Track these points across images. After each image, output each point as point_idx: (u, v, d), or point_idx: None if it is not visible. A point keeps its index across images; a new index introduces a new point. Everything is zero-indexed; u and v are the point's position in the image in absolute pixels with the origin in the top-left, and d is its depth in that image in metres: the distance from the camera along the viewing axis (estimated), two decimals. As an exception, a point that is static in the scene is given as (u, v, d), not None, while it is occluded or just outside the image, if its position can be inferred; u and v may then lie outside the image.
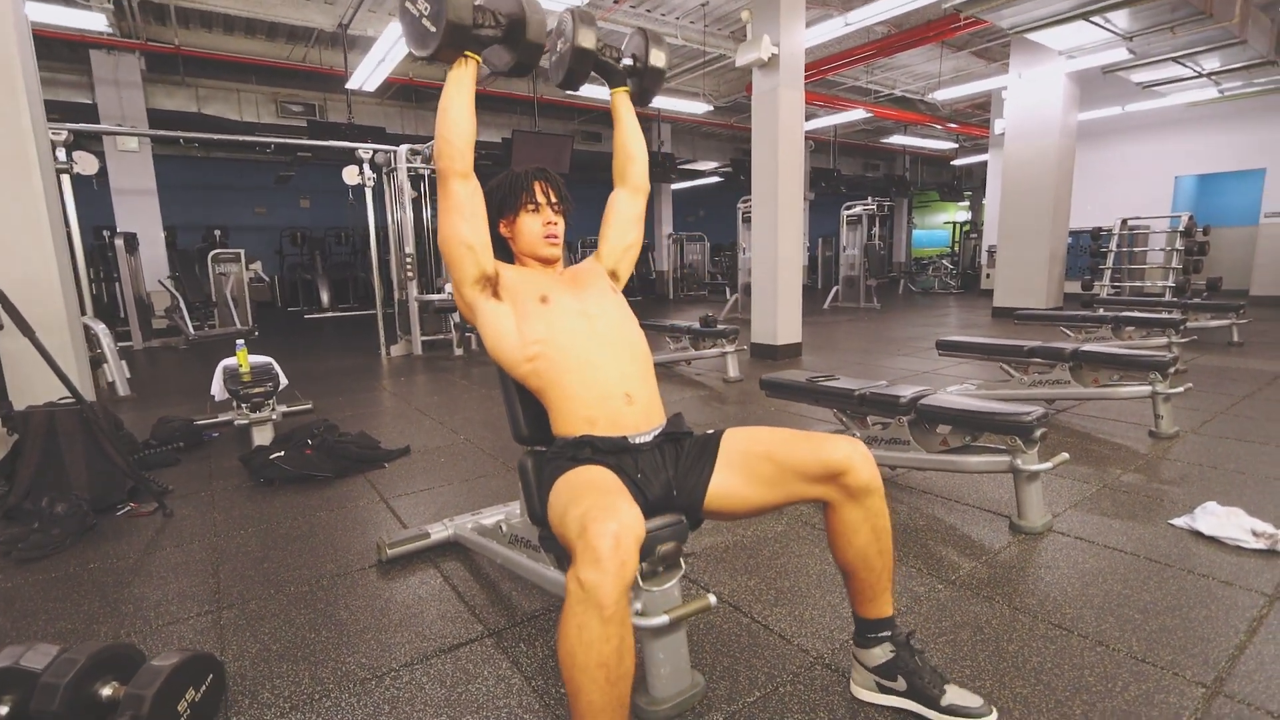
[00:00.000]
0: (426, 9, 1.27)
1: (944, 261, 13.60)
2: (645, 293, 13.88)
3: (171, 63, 8.18)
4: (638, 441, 1.28)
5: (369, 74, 6.76)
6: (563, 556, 1.41)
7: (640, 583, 1.20)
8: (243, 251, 8.57)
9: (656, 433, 1.32)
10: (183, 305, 7.71)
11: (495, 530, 1.77)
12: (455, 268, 1.36)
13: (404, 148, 6.03)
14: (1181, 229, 6.67)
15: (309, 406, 3.91)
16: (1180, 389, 2.92)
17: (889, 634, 1.23)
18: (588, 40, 1.48)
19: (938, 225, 21.37)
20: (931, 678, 1.21)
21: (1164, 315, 4.55)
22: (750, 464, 1.21)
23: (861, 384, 2.49)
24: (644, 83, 1.64)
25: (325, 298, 11.83)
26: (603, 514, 0.90)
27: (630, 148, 1.61)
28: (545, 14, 1.37)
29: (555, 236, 1.45)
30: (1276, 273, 8.32)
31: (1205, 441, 2.86)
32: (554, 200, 1.46)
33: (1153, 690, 1.30)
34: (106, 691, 1.24)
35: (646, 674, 1.26)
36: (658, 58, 1.62)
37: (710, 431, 1.33)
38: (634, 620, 1.16)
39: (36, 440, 2.37)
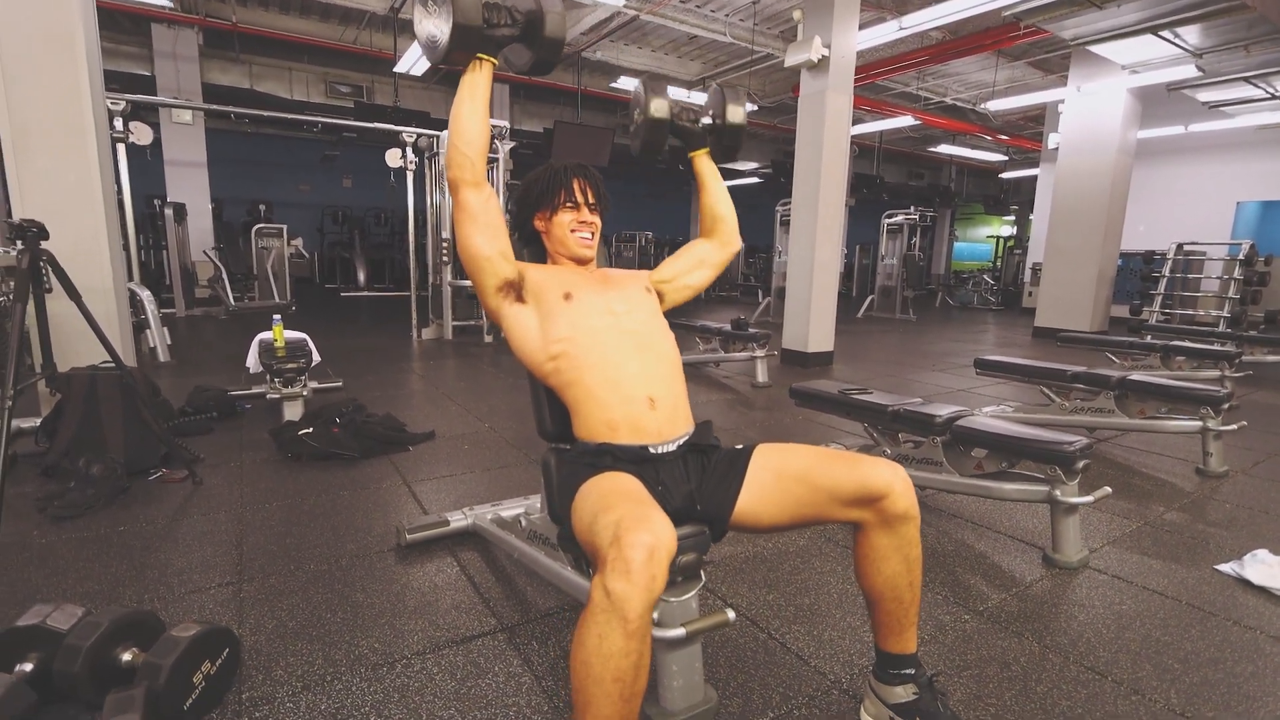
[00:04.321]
0: (436, 10, 1.22)
1: (985, 276, 13.25)
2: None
3: (228, 39, 8.38)
4: (659, 451, 1.24)
5: (418, 58, 6.82)
6: (581, 559, 1.39)
7: (665, 595, 1.17)
8: (285, 227, 8.76)
9: (681, 441, 1.28)
10: (225, 276, 7.91)
11: (515, 524, 1.76)
12: (475, 277, 1.33)
13: (446, 132, 6.06)
14: (1242, 257, 6.38)
15: (339, 385, 3.96)
16: (1233, 426, 2.78)
17: (913, 673, 1.18)
18: (661, 110, 1.48)
19: (980, 239, 20.86)
20: (949, 722, 1.15)
21: (1218, 347, 4.35)
22: (783, 483, 1.17)
23: (895, 400, 2.42)
24: (724, 140, 1.61)
25: (362, 277, 12.02)
26: (636, 524, 0.88)
27: (718, 209, 1.59)
28: (563, 9, 1.32)
29: (590, 236, 1.43)
30: (1341, 309, 7.91)
31: (1256, 484, 2.73)
32: (591, 200, 1.43)
33: (1191, 747, 1.23)
34: (126, 657, 1.26)
35: (659, 686, 1.23)
36: (735, 114, 1.59)
37: (740, 446, 1.29)
38: (659, 633, 1.13)
39: (77, 402, 2.44)
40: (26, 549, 1.89)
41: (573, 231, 1.40)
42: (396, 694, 1.31)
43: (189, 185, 8.26)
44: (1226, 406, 2.76)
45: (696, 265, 1.58)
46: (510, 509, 2.04)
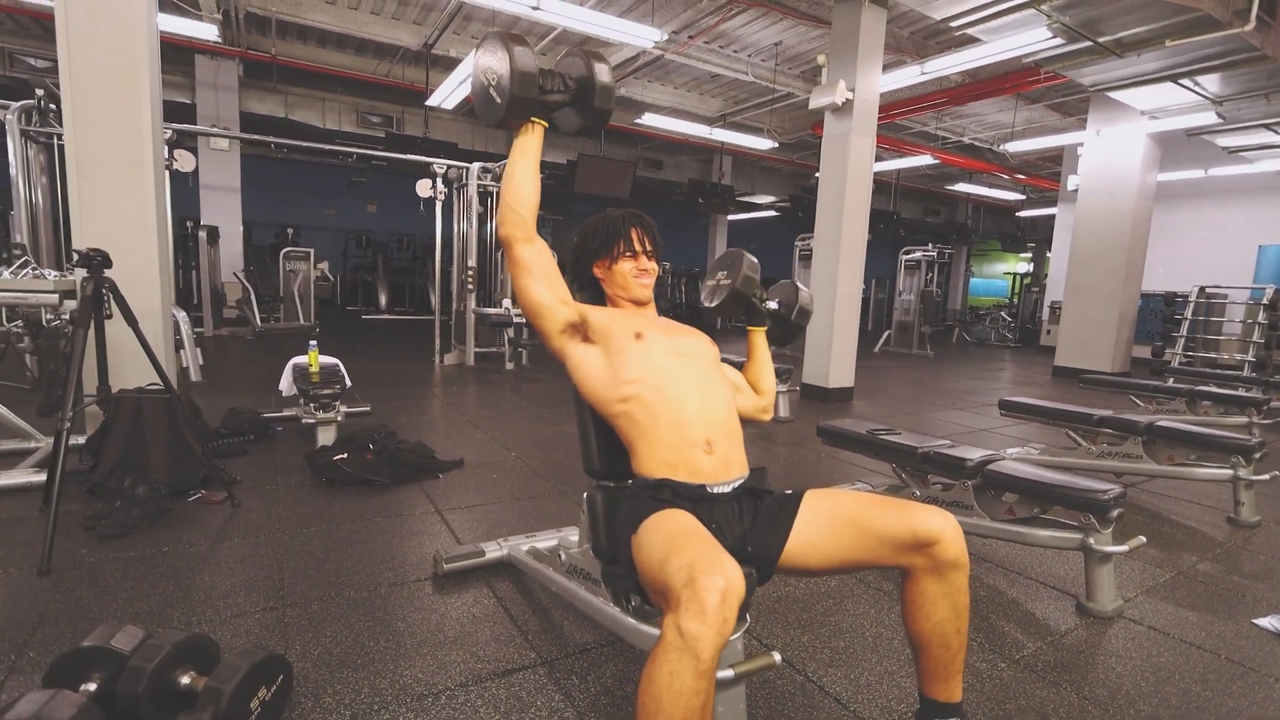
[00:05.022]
0: (494, 80, 1.28)
1: (1002, 314, 13.23)
2: (693, 322, 13.86)
3: (266, 70, 8.69)
4: (715, 491, 1.28)
5: (449, 93, 7.05)
6: (622, 595, 1.42)
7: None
8: (312, 251, 8.98)
9: (736, 484, 1.32)
10: (253, 298, 8.09)
11: (553, 557, 1.79)
12: (538, 324, 1.39)
13: (476, 165, 6.24)
14: (1266, 301, 6.35)
15: (368, 409, 4.03)
16: (1265, 476, 2.76)
17: None
18: (749, 287, 1.61)
19: (996, 274, 20.85)
20: (1000, 771, 1.16)
21: (1245, 393, 4.33)
22: (834, 526, 1.20)
23: (924, 441, 2.44)
24: (784, 331, 1.75)
25: (383, 300, 12.23)
26: (710, 568, 0.91)
27: (762, 384, 1.66)
28: (613, 80, 1.40)
29: (650, 280, 1.49)
30: (1367, 355, 7.82)
31: (1290, 535, 2.70)
32: (649, 247, 1.50)
33: (1239, 808, 1.22)
34: (185, 680, 1.29)
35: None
36: (803, 315, 1.74)
37: (789, 491, 1.32)
38: None
39: (125, 423, 2.51)
40: (77, 566, 1.94)
41: (634, 277, 1.47)
42: (443, 725, 1.33)
43: (222, 208, 8.51)
44: (1259, 456, 2.75)
45: (739, 388, 1.62)
46: (544, 541, 2.07)
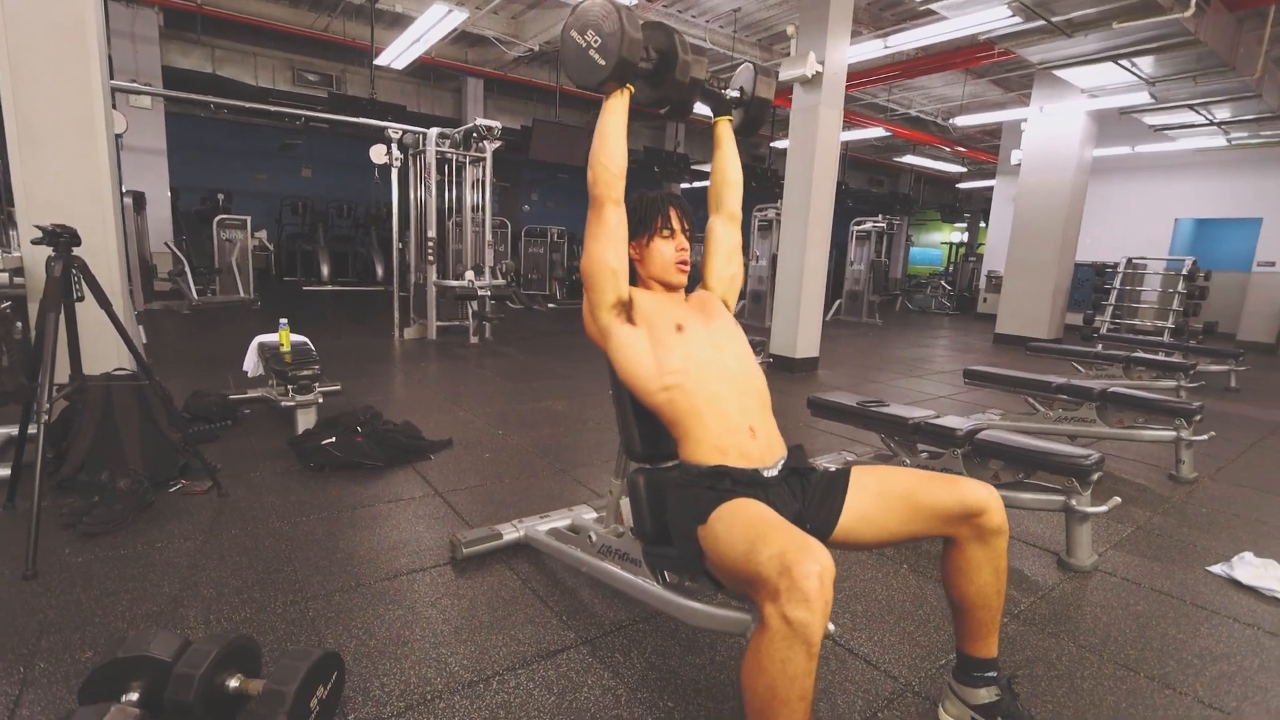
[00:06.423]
0: (596, 41, 1.30)
1: (942, 283, 13.82)
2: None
3: (189, 20, 8.00)
4: (768, 475, 1.32)
5: (401, 52, 6.68)
6: (660, 573, 1.46)
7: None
8: (249, 218, 8.44)
9: (780, 465, 1.36)
10: (188, 269, 7.58)
11: (581, 538, 1.80)
12: (596, 291, 1.39)
13: (434, 130, 5.98)
14: (1185, 272, 6.88)
15: (338, 388, 3.87)
16: (1204, 436, 3.04)
17: (995, 676, 1.29)
18: (699, 71, 1.53)
19: (933, 244, 21.70)
20: (1028, 722, 1.27)
21: (1176, 360, 4.71)
22: (886, 502, 1.26)
23: (913, 413, 2.56)
24: (750, 112, 1.70)
25: (325, 271, 11.66)
26: (802, 554, 0.95)
27: (729, 173, 1.67)
28: (694, 58, 1.40)
29: (686, 264, 1.49)
30: (1264, 320, 8.61)
31: (1223, 488, 2.99)
32: (686, 227, 1.50)
33: (1226, 736, 1.38)
34: (233, 683, 1.25)
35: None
36: (765, 89, 1.69)
37: (834, 469, 1.37)
38: None
39: (93, 413, 2.35)
40: (64, 568, 1.82)
41: (672, 258, 1.47)
42: (502, 711, 1.35)
43: (147, 173, 7.85)
44: (1198, 418, 3.02)
45: (728, 258, 1.64)
46: (559, 521, 2.08)
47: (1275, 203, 8.53)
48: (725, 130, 1.68)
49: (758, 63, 1.72)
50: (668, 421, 1.37)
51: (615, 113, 1.36)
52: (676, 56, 1.37)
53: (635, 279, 1.54)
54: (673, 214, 1.48)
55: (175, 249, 7.64)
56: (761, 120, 1.72)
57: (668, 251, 1.47)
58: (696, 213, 1.57)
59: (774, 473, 1.33)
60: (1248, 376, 5.82)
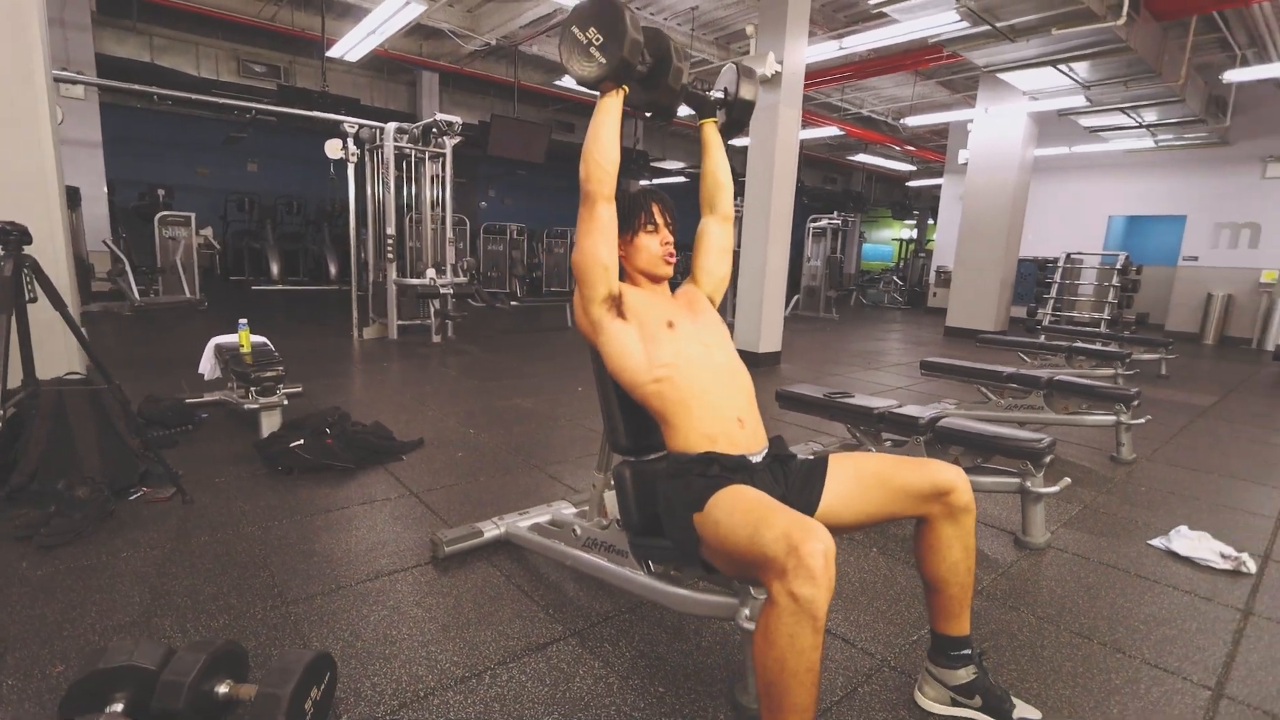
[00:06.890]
0: (598, 40, 1.33)
1: (894, 278, 14.25)
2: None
3: (124, 6, 7.60)
4: (755, 461, 1.37)
5: (356, 44, 6.51)
6: (645, 562, 1.50)
7: (753, 591, 1.30)
8: (193, 215, 8.10)
9: (765, 453, 1.42)
10: (128, 269, 7.22)
11: (565, 533, 1.82)
12: (588, 286, 1.41)
13: (391, 125, 5.85)
14: (1119, 266, 7.29)
15: (300, 390, 3.77)
16: (1142, 420, 3.25)
17: (970, 654, 1.36)
18: (681, 77, 1.55)
19: (884, 240, 22.34)
20: (1002, 694, 1.35)
21: (1113, 349, 4.99)
22: (862, 485, 1.33)
23: (877, 403, 2.66)
24: (733, 114, 1.72)
25: (275, 270, 11.27)
26: (806, 534, 1.00)
27: (720, 176, 1.70)
28: (687, 65, 1.44)
29: (672, 256, 1.53)
30: (1188, 311, 9.19)
31: (1159, 469, 3.20)
32: (669, 221, 1.54)
33: (1170, 692, 1.50)
34: (222, 689, 1.24)
35: (749, 674, 1.36)
36: (748, 90, 1.71)
37: (811, 456, 1.44)
38: (746, 624, 1.26)
39: (44, 419, 2.24)
40: (25, 583, 1.75)
41: (658, 253, 1.50)
42: (497, 704, 1.36)
43: (81, 167, 7.42)
44: (1136, 403, 3.22)
45: (719, 256, 1.67)
46: (538, 517, 2.10)
47: (1197, 201, 9.09)
48: (713, 133, 1.70)
49: (740, 62, 1.76)
50: (656, 412, 1.41)
51: (610, 111, 1.39)
52: (671, 62, 1.41)
53: (622, 275, 1.57)
54: (655, 209, 1.52)
55: (114, 247, 7.26)
56: (744, 122, 1.74)
57: (653, 245, 1.51)
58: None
59: (759, 459, 1.39)
60: (1176, 364, 6.22)
